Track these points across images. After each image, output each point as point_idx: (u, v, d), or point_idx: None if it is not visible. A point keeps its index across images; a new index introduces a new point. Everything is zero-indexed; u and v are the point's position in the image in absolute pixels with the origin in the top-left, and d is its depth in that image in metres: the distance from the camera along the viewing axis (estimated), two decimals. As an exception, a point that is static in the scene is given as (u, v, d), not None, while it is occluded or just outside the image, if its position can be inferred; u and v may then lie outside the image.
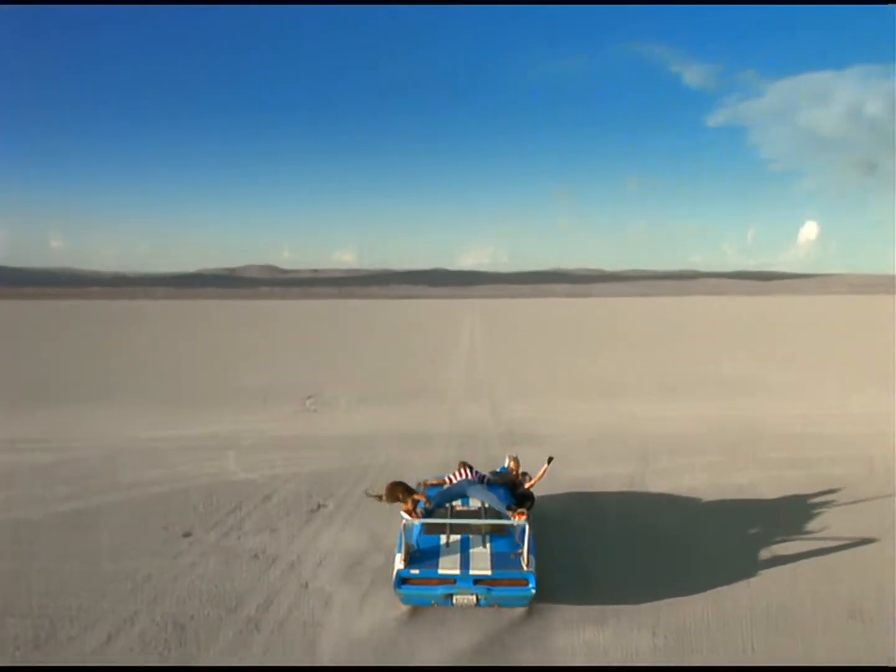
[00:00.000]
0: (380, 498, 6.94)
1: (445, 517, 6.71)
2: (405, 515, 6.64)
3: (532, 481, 7.56)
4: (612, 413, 16.59)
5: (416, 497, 6.76)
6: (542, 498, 8.94)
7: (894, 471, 11.10)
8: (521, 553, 6.23)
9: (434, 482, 7.53)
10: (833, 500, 9.80)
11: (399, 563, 6.25)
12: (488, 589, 6.05)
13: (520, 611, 6.38)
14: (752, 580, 7.25)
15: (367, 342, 39.95)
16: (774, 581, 7.23)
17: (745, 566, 7.57)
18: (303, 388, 21.46)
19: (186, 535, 8.71)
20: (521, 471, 7.74)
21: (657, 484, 10.66)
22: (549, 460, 7.53)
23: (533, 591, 6.08)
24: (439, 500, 6.96)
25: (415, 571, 6.15)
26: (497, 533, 6.54)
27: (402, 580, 6.15)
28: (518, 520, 6.53)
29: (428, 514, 6.74)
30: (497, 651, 5.89)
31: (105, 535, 8.65)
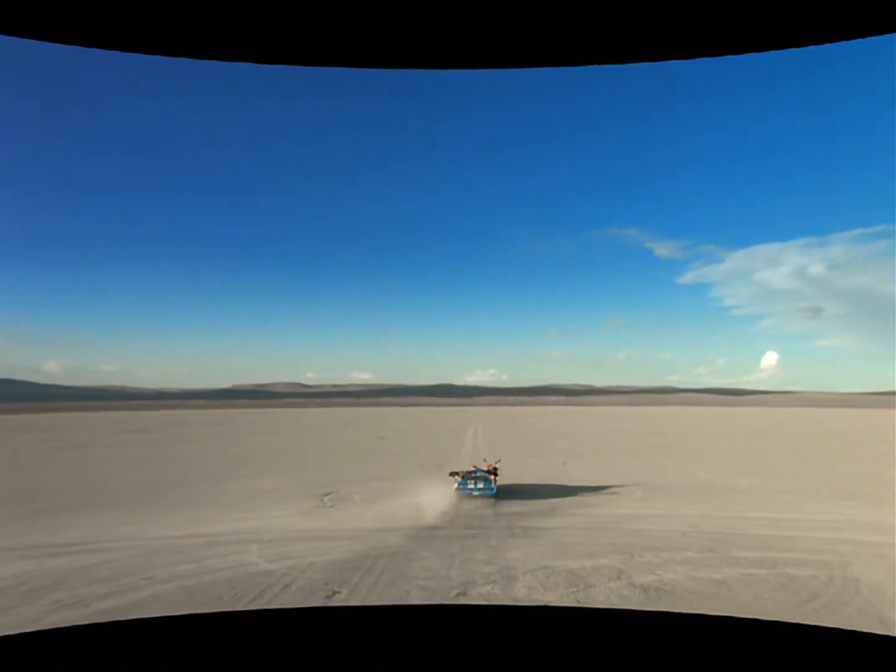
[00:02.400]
0: (453, 475, 19.57)
1: (470, 478, 19.32)
2: (457, 477, 19.35)
3: (496, 469, 20.01)
4: (604, 511, 16.51)
5: (461, 473, 19.51)
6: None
7: (848, 578, 10.86)
8: (493, 484, 19.18)
9: (467, 470, 19.96)
10: (794, 602, 9.64)
11: (455, 486, 19.16)
12: (482, 491, 18.92)
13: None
14: None
15: (381, 445, 39.74)
16: None
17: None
18: (322, 485, 21.45)
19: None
20: (493, 466, 20.33)
21: (641, 576, 10.56)
22: (498, 461, 21.46)
23: (496, 492, 18.99)
24: (467, 474, 19.44)
25: (460, 487, 19.11)
26: (486, 480, 19.11)
27: (457, 487, 19.03)
28: (493, 479, 19.30)
29: (465, 477, 19.38)
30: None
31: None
